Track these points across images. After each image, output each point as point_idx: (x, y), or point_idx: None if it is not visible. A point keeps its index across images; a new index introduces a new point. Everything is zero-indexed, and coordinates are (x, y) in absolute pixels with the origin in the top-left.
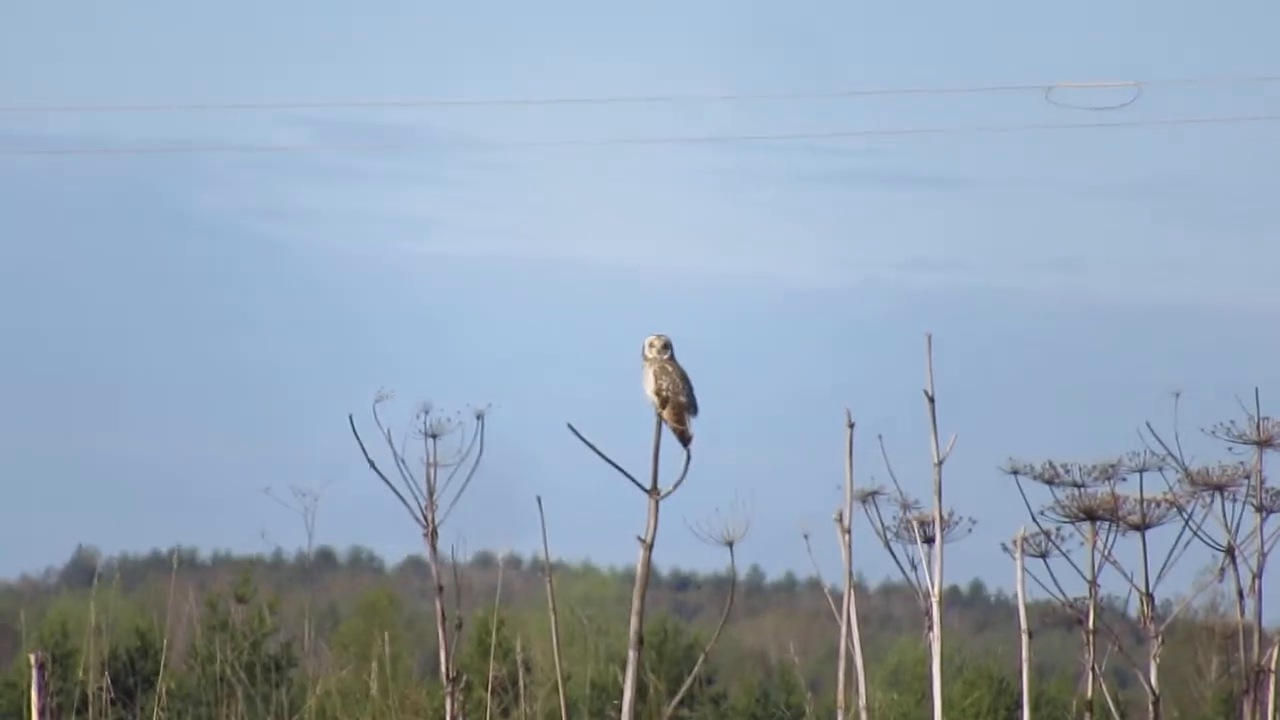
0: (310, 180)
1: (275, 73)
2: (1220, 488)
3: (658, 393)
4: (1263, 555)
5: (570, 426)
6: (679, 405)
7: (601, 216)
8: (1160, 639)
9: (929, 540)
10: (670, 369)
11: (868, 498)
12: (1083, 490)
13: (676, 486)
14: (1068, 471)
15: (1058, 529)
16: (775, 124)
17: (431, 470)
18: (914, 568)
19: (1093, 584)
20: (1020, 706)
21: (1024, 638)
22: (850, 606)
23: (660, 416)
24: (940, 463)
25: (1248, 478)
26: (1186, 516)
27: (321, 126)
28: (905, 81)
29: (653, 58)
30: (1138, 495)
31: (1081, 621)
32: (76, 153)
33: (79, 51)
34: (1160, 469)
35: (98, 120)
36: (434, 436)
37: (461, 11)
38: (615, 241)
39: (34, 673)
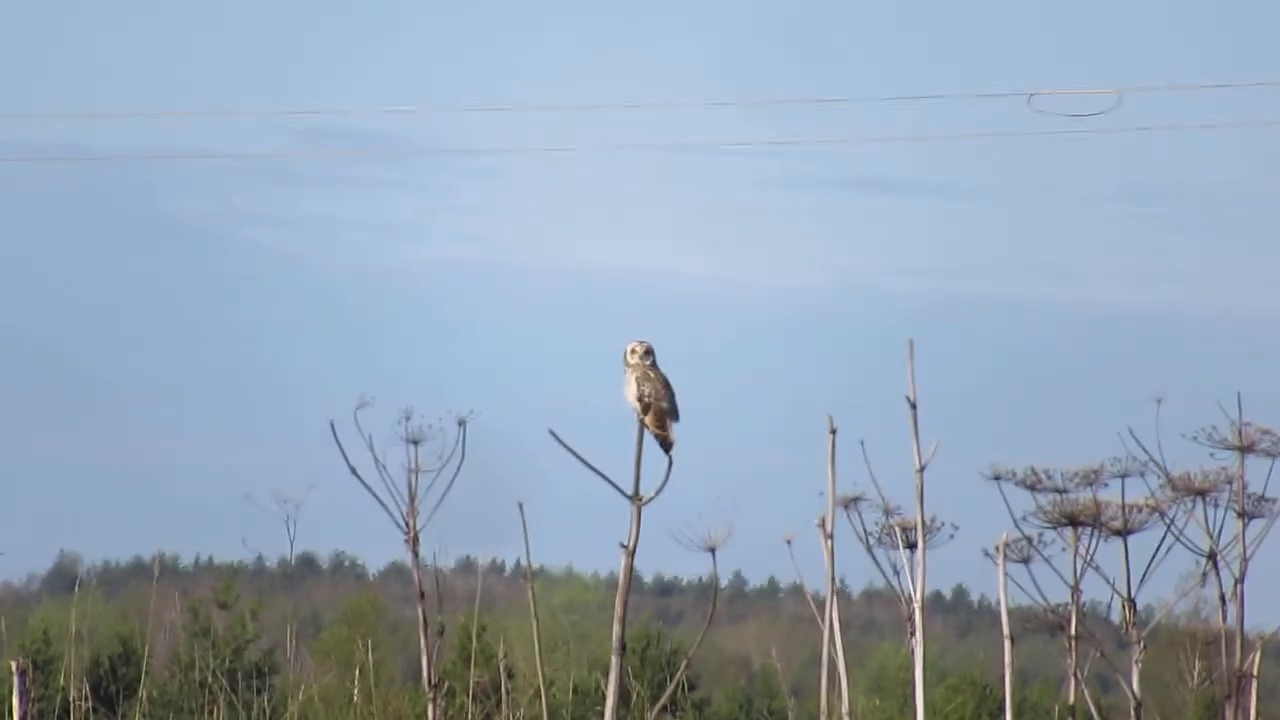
0: (298, 186)
1: (263, 80)
2: (1202, 493)
3: (639, 398)
4: (1245, 560)
5: (552, 433)
6: (660, 411)
7: (587, 222)
8: (1142, 644)
9: (911, 546)
10: (652, 375)
11: (850, 503)
12: (1065, 496)
13: (659, 492)
14: (1050, 477)
15: (1040, 534)
16: (761, 130)
17: (413, 476)
18: (896, 573)
19: (1075, 589)
20: (1003, 712)
21: (1007, 643)
22: (833, 612)
23: (642, 422)
24: (922, 468)
25: (1230, 483)
26: (1169, 522)
27: (309, 133)
28: (889, 89)
29: (640, 65)
30: (1120, 501)
31: (1064, 627)
32: (63, 160)
33: (64, 58)
34: (1142, 474)
35: (84, 127)
36: (415, 442)
37: (448, 19)
38: (599, 247)
39: (15, 680)
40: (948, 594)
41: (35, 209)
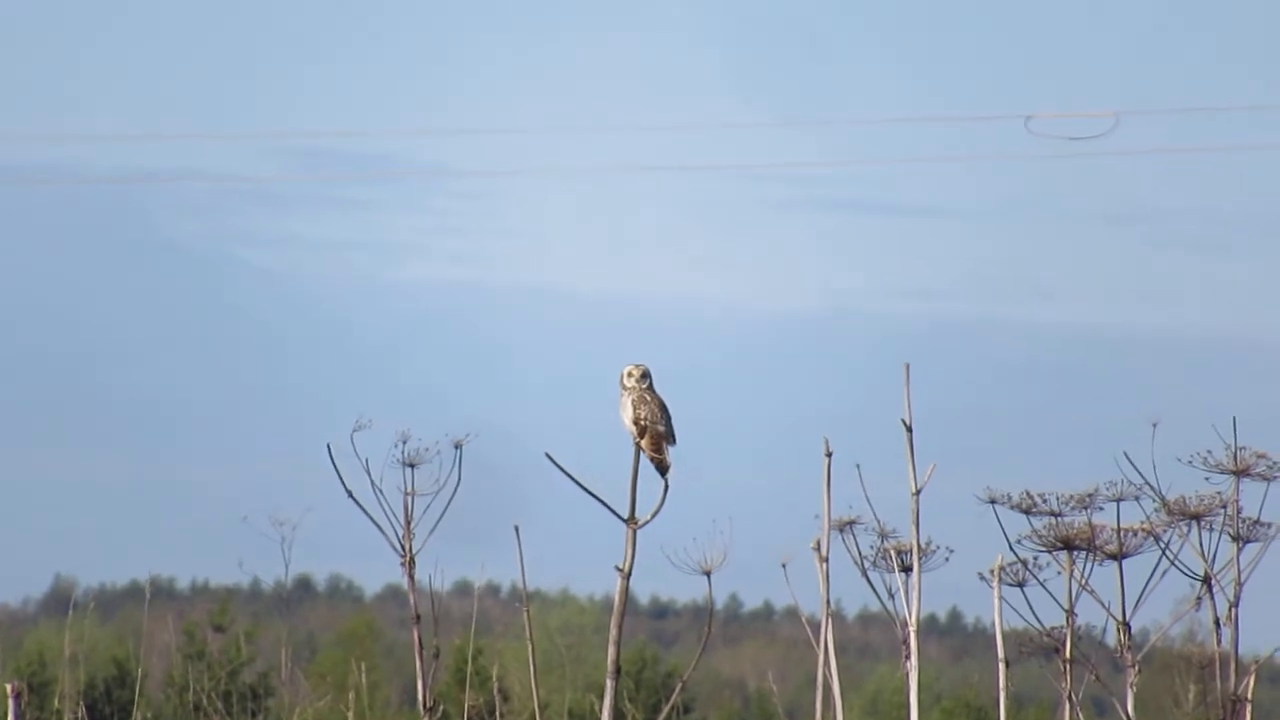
0: (294, 208)
1: (256, 103)
2: (1197, 517)
3: (636, 422)
4: (1239, 584)
5: (548, 456)
6: (657, 434)
7: (580, 245)
8: (1137, 668)
9: (906, 569)
10: (649, 398)
11: (845, 527)
12: (1060, 519)
13: (654, 516)
14: (1045, 501)
15: (1035, 558)
16: (756, 153)
17: (409, 499)
18: (891, 596)
19: (1070, 613)
20: None
21: (1001, 666)
22: (828, 635)
23: (638, 446)
24: (918, 492)
25: (1224, 507)
26: (1163, 546)
27: (305, 155)
28: (885, 111)
29: (634, 86)
30: (1115, 524)
31: (1059, 650)
32: (59, 183)
33: (60, 81)
34: (1137, 498)
35: (80, 149)
36: (412, 466)
37: (444, 42)
38: (594, 269)
39: (10, 702)
40: (943, 617)
41: (32, 231)
